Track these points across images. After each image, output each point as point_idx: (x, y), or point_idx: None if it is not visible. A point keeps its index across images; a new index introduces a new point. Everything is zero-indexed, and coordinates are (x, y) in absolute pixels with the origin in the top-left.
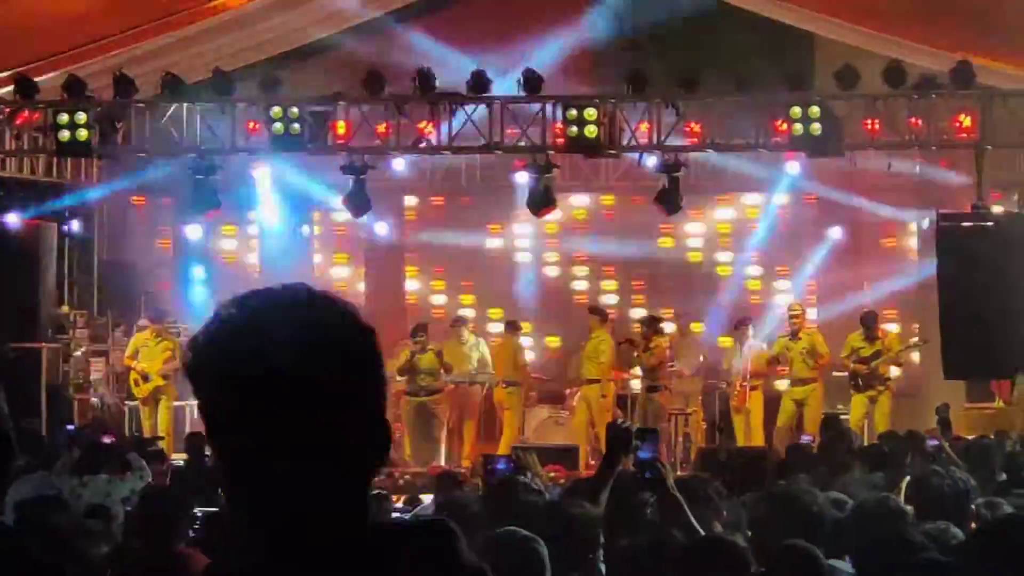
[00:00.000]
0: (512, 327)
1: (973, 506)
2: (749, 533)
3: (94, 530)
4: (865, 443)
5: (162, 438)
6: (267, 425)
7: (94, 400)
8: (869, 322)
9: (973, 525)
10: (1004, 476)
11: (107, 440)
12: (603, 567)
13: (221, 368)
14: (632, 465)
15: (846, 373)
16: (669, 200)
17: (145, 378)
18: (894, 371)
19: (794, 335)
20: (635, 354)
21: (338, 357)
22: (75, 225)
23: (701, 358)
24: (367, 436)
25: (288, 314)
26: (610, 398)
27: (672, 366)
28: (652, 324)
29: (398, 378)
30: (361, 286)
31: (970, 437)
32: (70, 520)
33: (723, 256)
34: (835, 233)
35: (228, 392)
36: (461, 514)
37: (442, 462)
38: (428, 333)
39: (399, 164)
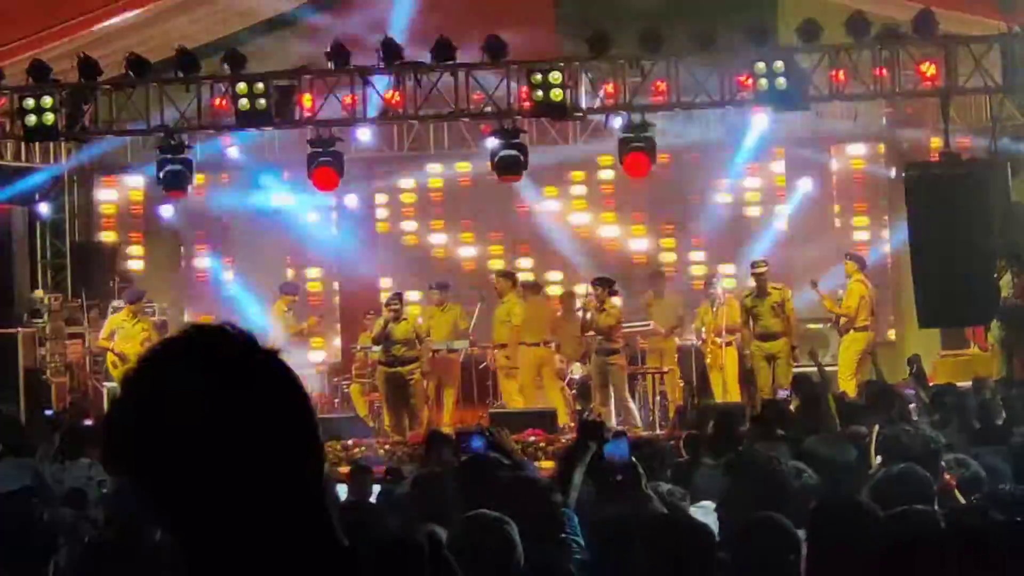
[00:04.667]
0: (535, 287)
1: (943, 462)
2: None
3: (70, 520)
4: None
5: None
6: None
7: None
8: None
9: (947, 476)
10: (979, 425)
11: (88, 423)
12: (580, 540)
13: (136, 445)
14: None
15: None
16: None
17: (123, 359)
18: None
19: (761, 291)
20: (588, 316)
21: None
22: (45, 208)
23: (677, 318)
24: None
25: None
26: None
27: (647, 325)
28: (605, 285)
29: (373, 348)
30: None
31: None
32: (52, 512)
33: None
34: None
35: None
36: (435, 490)
37: (422, 430)
38: (403, 301)
39: (364, 135)
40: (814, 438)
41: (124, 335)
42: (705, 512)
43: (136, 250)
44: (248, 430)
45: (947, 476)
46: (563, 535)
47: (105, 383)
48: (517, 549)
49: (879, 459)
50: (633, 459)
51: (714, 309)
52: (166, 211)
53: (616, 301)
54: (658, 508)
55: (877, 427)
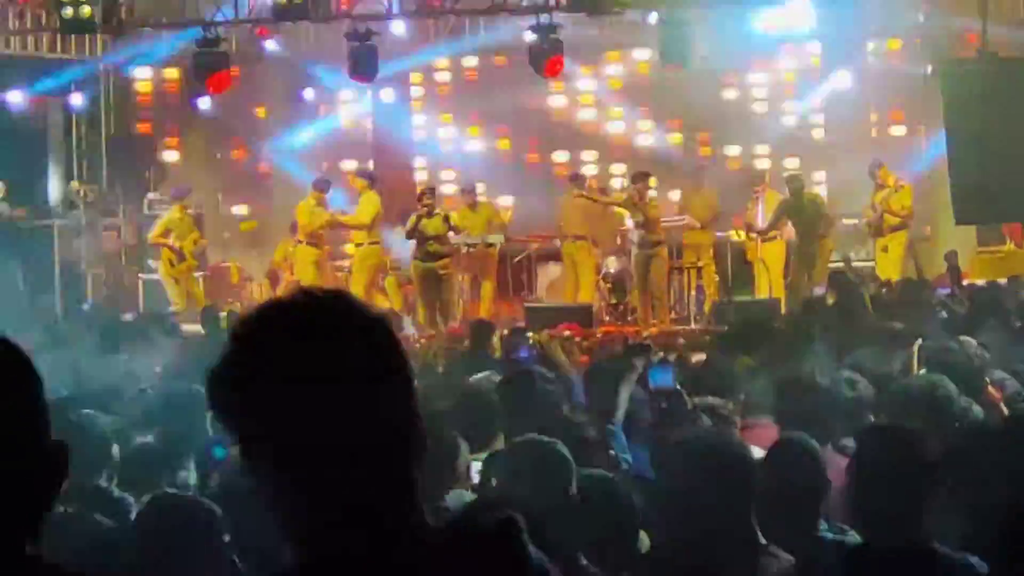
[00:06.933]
0: (577, 179)
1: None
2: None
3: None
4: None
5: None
6: (296, 433)
7: None
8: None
9: (991, 390)
10: (1019, 323)
11: (127, 318)
12: (628, 457)
13: (243, 389)
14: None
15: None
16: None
17: (181, 256)
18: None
19: (797, 198)
20: (630, 210)
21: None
22: (80, 100)
23: (713, 212)
24: (401, 433)
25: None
26: None
27: (682, 219)
28: (643, 179)
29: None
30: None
31: (981, 282)
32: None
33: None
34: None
35: (254, 411)
36: (480, 404)
37: (456, 324)
38: (436, 197)
39: (399, 28)
40: (862, 351)
41: (179, 232)
42: None
43: (172, 142)
44: (350, 393)
45: (991, 390)
46: (610, 451)
47: (142, 275)
48: (572, 467)
49: (923, 371)
50: (678, 386)
51: (757, 206)
52: (203, 103)
53: (652, 193)
54: (706, 426)
55: (920, 341)
